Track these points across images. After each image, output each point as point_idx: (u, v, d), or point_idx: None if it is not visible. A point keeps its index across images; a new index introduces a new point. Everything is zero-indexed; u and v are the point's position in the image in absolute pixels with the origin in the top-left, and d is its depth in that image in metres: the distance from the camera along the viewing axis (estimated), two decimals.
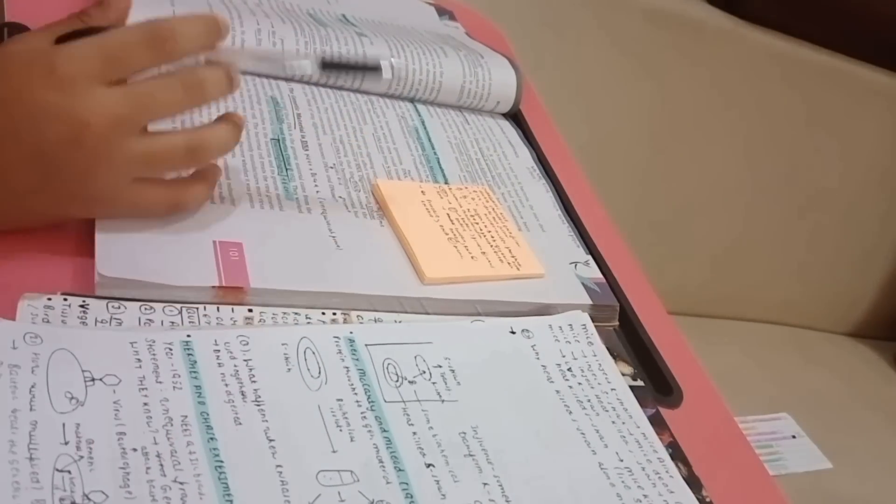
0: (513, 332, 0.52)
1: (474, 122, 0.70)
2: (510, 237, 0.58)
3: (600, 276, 0.59)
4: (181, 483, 0.37)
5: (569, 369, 0.51)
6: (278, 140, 0.59)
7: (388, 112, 0.66)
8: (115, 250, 0.46)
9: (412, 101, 0.69)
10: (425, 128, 0.66)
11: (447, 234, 0.56)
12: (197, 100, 0.47)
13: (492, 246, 0.57)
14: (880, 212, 1.43)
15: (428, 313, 0.51)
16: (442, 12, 0.82)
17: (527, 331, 0.52)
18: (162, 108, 0.46)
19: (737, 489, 0.48)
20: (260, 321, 0.46)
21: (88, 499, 0.35)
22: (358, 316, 0.49)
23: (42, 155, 0.42)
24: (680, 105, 1.28)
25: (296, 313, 0.48)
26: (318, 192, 0.56)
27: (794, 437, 1.10)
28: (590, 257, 0.60)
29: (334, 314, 0.49)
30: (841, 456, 1.10)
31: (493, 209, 0.60)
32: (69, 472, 0.36)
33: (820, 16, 1.28)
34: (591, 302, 0.56)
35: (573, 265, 0.59)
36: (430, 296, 0.52)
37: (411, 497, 0.41)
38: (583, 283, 0.57)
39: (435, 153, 0.64)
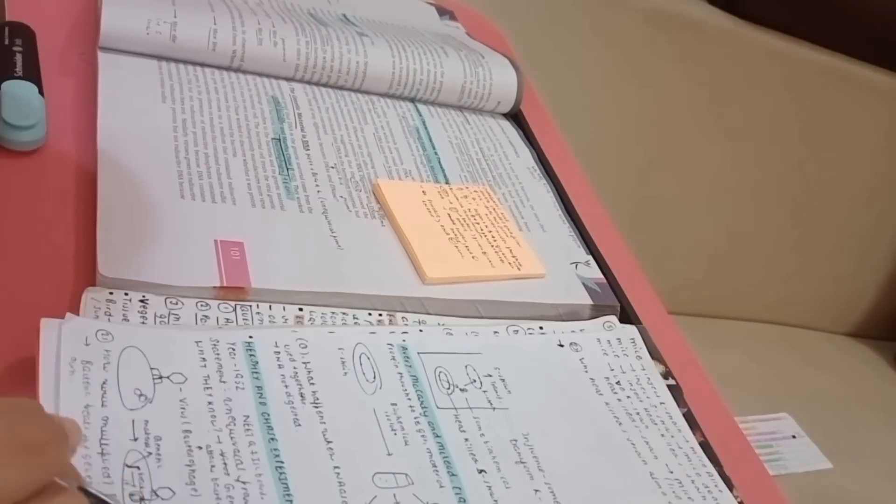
0: (561, 346, 0.52)
1: (475, 122, 0.70)
2: (511, 237, 0.58)
3: (601, 276, 0.59)
4: (244, 482, 0.38)
5: (617, 382, 0.51)
6: (279, 139, 0.59)
7: (389, 112, 0.66)
8: (116, 250, 0.46)
9: (413, 100, 0.69)
10: (426, 128, 0.66)
11: (448, 234, 0.57)
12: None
13: (493, 246, 0.57)
14: (880, 211, 1.44)
15: (429, 313, 0.51)
16: (442, 12, 0.82)
17: (575, 344, 0.52)
18: None
19: (737, 489, 0.48)
20: (310, 321, 0.47)
21: (156, 495, 0.36)
22: (403, 318, 0.50)
23: None
24: (680, 105, 1.28)
25: (343, 313, 0.49)
26: (318, 191, 0.56)
27: (794, 437, 1.10)
28: (590, 257, 0.60)
29: (380, 315, 0.50)
30: (841, 456, 1.10)
31: (494, 209, 0.60)
32: (138, 468, 0.36)
33: (820, 16, 1.28)
34: (591, 302, 0.56)
35: (574, 265, 0.59)
36: (431, 296, 0.52)
37: (464, 501, 0.41)
38: (583, 283, 0.58)
39: (436, 153, 0.64)
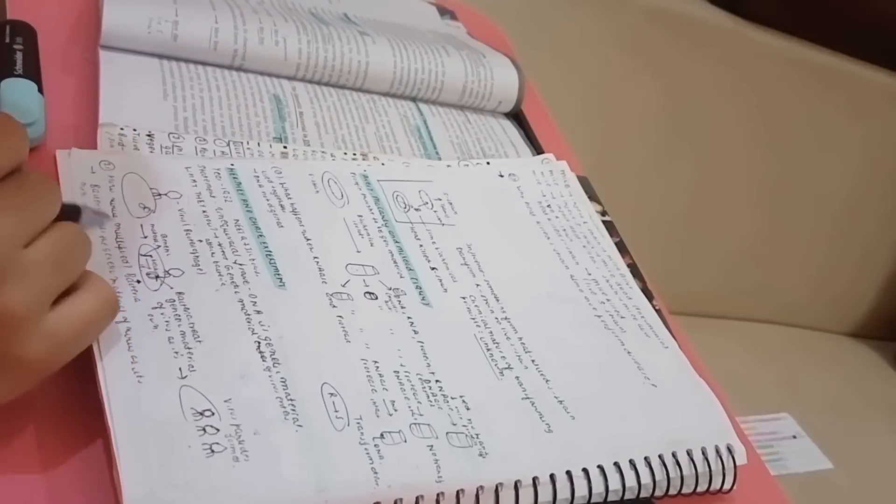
0: (501, 176, 0.61)
1: (476, 121, 0.70)
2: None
3: None
4: (240, 264, 0.46)
5: (548, 206, 0.60)
6: (280, 138, 0.59)
7: (391, 111, 0.66)
8: None
9: (414, 100, 0.69)
10: (427, 127, 0.66)
11: None
12: None
13: None
14: (880, 211, 1.43)
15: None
16: (443, 12, 0.82)
17: (513, 175, 0.61)
18: None
19: (738, 488, 0.48)
20: (293, 156, 0.56)
21: (169, 273, 0.44)
22: (374, 157, 0.58)
23: None
24: (681, 105, 1.28)
25: (322, 152, 0.57)
26: None
27: (794, 437, 1.10)
28: None
29: (354, 154, 0.58)
30: (841, 456, 1.10)
31: None
32: (150, 256, 0.44)
33: (820, 16, 1.28)
34: None
35: None
36: None
37: (420, 288, 0.50)
38: None
39: (437, 152, 0.64)
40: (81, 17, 0.62)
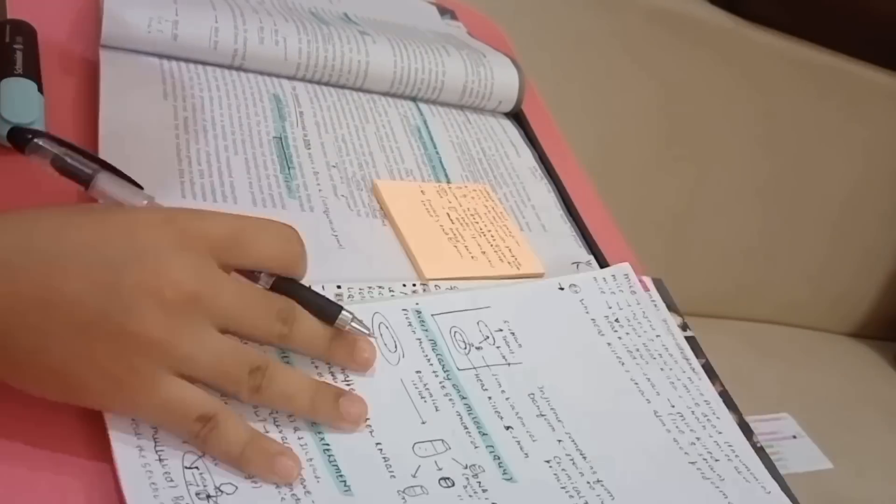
0: (561, 289, 0.55)
1: (476, 121, 0.70)
2: (510, 236, 0.58)
3: None
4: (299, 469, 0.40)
5: (616, 320, 0.54)
6: (280, 138, 0.59)
7: (391, 111, 0.66)
8: None
9: (414, 100, 0.69)
10: (427, 127, 0.66)
11: (447, 233, 0.56)
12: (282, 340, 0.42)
13: (492, 245, 0.57)
14: (881, 211, 1.43)
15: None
16: (443, 11, 0.82)
17: (574, 286, 0.55)
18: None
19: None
20: (349, 297, 0.49)
21: (221, 491, 0.38)
22: (436, 285, 0.52)
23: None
24: (681, 105, 1.28)
25: (379, 287, 0.50)
26: (320, 190, 0.56)
27: (794, 437, 1.10)
28: (592, 257, 0.60)
29: (414, 285, 0.52)
30: (841, 456, 1.10)
31: (493, 208, 0.60)
32: (197, 468, 0.38)
33: (820, 16, 1.28)
34: None
35: (575, 265, 0.59)
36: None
37: (499, 459, 0.44)
38: None
39: (437, 153, 0.64)
40: (81, 17, 0.62)
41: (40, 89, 0.53)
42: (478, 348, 0.49)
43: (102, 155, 0.50)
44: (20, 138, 0.43)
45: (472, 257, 0.55)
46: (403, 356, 0.47)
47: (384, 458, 0.41)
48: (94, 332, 0.36)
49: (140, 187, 0.45)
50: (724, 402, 0.52)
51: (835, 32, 1.29)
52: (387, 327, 0.47)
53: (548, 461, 0.44)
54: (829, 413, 1.20)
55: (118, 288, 0.36)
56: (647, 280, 0.57)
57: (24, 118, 0.50)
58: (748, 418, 0.52)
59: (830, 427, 1.15)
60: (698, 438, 0.49)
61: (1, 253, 0.36)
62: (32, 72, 0.54)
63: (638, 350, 0.53)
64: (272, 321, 0.41)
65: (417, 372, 0.46)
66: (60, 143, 0.43)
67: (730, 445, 0.49)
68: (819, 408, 1.20)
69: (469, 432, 0.44)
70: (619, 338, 0.53)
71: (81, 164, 0.43)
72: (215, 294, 0.39)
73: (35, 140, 0.43)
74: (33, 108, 0.51)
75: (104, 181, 0.43)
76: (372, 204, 0.57)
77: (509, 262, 0.56)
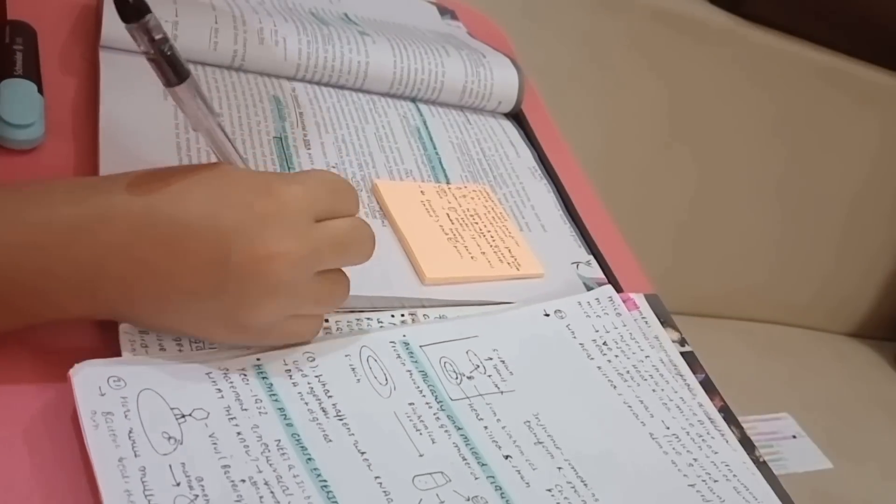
0: (547, 315, 0.54)
1: (476, 121, 0.70)
2: (510, 237, 0.58)
3: (602, 276, 0.59)
4: None
5: (604, 343, 0.53)
6: (280, 138, 0.59)
7: (390, 111, 0.66)
8: None
9: (414, 100, 0.69)
10: (427, 127, 0.66)
11: (447, 234, 0.57)
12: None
13: (491, 246, 0.57)
14: (881, 212, 1.44)
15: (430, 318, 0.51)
16: (444, 11, 0.82)
17: (560, 312, 0.54)
18: (351, 260, 0.45)
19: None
20: (338, 330, 0.48)
21: None
22: (424, 315, 0.51)
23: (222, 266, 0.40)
24: (682, 105, 1.28)
25: (368, 318, 0.49)
26: None
27: (794, 437, 1.10)
28: (591, 257, 0.60)
29: (402, 315, 0.50)
30: (841, 456, 1.10)
31: (493, 209, 0.60)
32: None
33: (821, 16, 1.28)
34: None
35: (575, 265, 0.59)
36: (431, 296, 0.52)
37: (500, 489, 0.43)
38: (585, 283, 0.58)
39: (437, 153, 0.64)
40: (81, 18, 0.62)
41: (40, 90, 0.53)
42: (469, 378, 0.48)
43: (102, 154, 0.51)
44: (130, 10, 0.38)
45: (472, 258, 0.55)
46: (395, 389, 0.46)
47: (384, 492, 0.41)
48: (209, 312, 0.41)
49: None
50: (725, 417, 0.51)
51: (835, 32, 1.29)
52: (375, 360, 0.46)
53: (549, 490, 0.44)
54: (829, 413, 1.20)
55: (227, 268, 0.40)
56: (637, 297, 0.56)
57: (24, 119, 0.50)
58: (748, 418, 0.52)
59: (830, 427, 1.15)
60: (696, 460, 0.49)
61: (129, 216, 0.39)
62: (32, 73, 0.54)
63: (628, 372, 0.52)
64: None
65: (410, 404, 0.45)
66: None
67: (727, 465, 0.49)
68: (819, 408, 1.20)
69: (468, 463, 0.44)
70: (609, 360, 0.52)
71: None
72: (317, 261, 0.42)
73: (149, 15, 0.39)
74: (33, 109, 0.51)
75: (194, 86, 0.41)
76: (372, 204, 0.57)
77: (509, 263, 0.56)
